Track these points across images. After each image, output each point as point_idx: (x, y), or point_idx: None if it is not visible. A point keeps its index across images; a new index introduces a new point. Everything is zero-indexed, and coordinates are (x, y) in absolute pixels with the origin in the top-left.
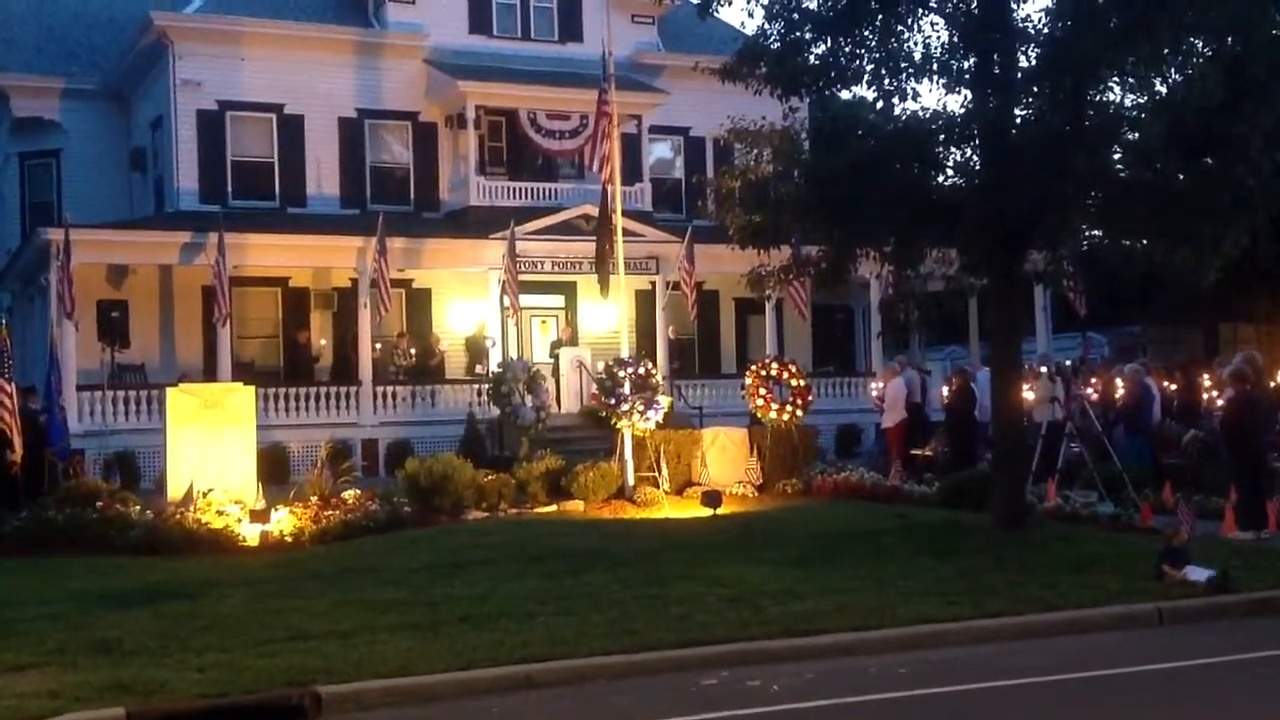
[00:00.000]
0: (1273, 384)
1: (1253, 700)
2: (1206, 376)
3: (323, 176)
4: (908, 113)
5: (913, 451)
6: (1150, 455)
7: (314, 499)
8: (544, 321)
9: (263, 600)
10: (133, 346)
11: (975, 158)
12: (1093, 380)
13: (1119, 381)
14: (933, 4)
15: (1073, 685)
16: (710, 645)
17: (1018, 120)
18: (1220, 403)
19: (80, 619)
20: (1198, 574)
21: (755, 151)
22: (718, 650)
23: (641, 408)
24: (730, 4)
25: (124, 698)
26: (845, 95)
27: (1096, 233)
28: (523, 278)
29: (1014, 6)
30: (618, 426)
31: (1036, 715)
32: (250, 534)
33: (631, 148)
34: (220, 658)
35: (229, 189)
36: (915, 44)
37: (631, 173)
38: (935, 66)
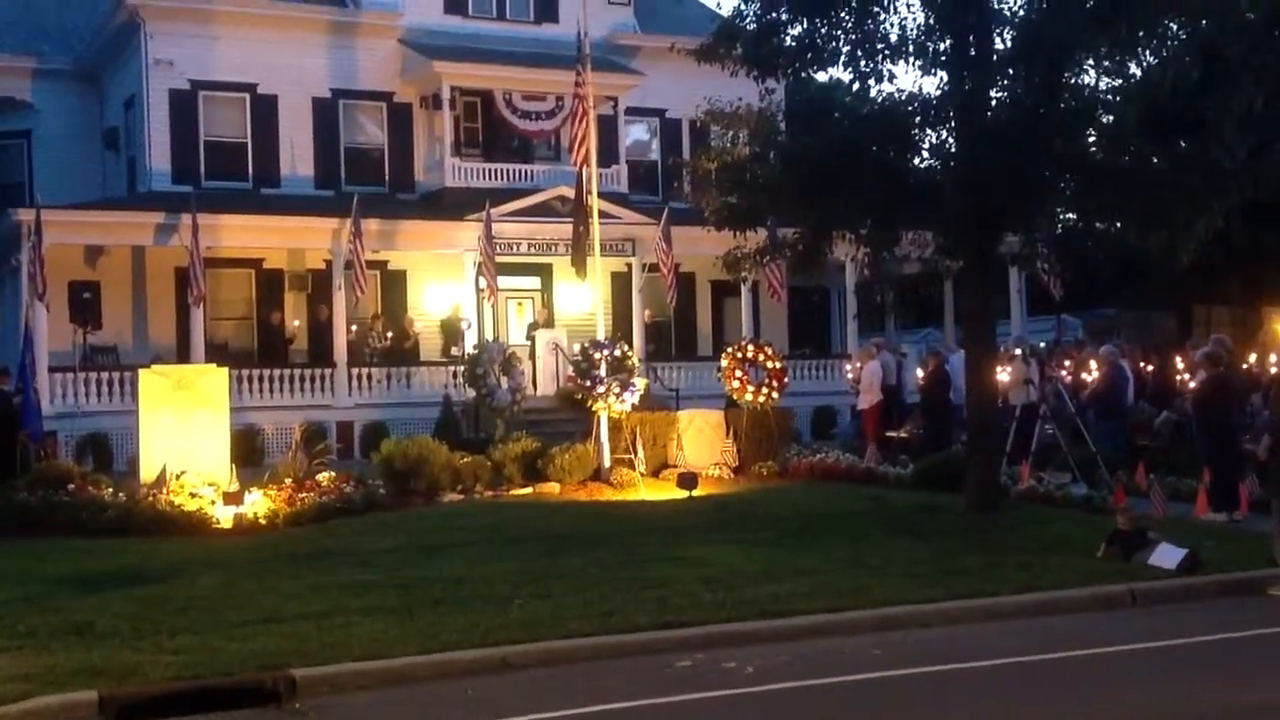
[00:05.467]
0: (1245, 366)
1: (1224, 680)
2: (1180, 359)
3: (297, 157)
4: (884, 95)
5: (888, 433)
6: (1124, 437)
7: (288, 481)
8: (520, 303)
9: (236, 583)
10: (105, 328)
11: (951, 140)
12: (1066, 362)
13: (1092, 364)
14: None
15: (1046, 666)
16: (686, 627)
17: (993, 103)
18: (1193, 385)
19: (52, 602)
20: (1167, 556)
21: (731, 133)
22: (693, 632)
23: (617, 390)
24: None
25: (96, 681)
26: (821, 77)
27: (1071, 215)
28: (499, 259)
29: None
30: (594, 409)
31: (1011, 695)
32: (224, 516)
33: (608, 129)
34: (194, 640)
35: (202, 169)
36: (891, 25)
37: (608, 154)
38: (911, 48)
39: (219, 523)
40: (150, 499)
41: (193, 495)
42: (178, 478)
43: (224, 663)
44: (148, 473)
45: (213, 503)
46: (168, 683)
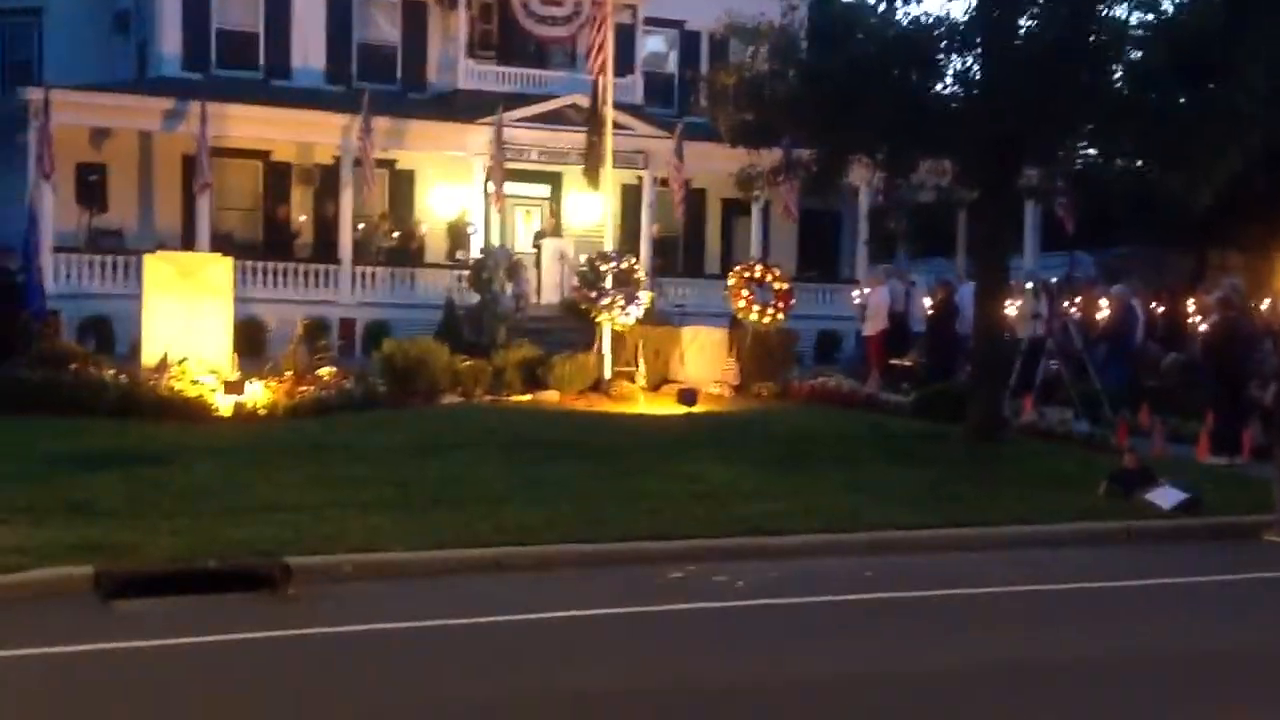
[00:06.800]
0: (1258, 311)
1: (1210, 620)
2: (1192, 301)
3: (309, 49)
4: (909, 17)
5: (892, 361)
6: (1130, 376)
7: (289, 374)
8: (528, 211)
9: (235, 470)
10: (111, 211)
11: (976, 67)
12: (1076, 299)
13: (1103, 302)
14: None
15: (1035, 596)
16: (677, 539)
17: (1021, 31)
18: (1203, 328)
19: (51, 479)
20: (1166, 496)
21: (752, 49)
22: (684, 545)
23: (622, 302)
24: None
25: (93, 557)
26: None
27: (1091, 151)
28: (508, 165)
29: None
30: (597, 320)
31: (996, 622)
32: (224, 404)
33: (625, 38)
34: (191, 523)
35: (213, 57)
36: None
37: (624, 64)
38: None
39: (219, 410)
40: (151, 383)
41: (194, 382)
42: (179, 364)
43: (220, 547)
44: (149, 357)
45: (213, 390)
46: (164, 563)
